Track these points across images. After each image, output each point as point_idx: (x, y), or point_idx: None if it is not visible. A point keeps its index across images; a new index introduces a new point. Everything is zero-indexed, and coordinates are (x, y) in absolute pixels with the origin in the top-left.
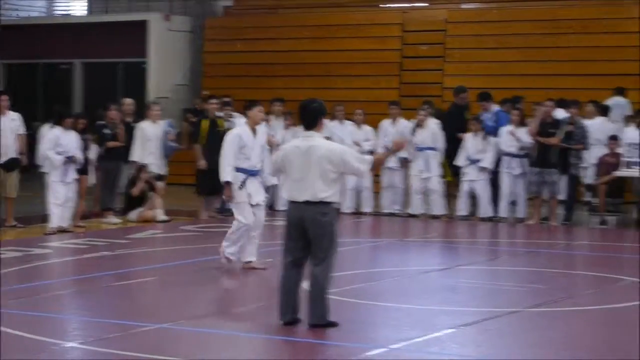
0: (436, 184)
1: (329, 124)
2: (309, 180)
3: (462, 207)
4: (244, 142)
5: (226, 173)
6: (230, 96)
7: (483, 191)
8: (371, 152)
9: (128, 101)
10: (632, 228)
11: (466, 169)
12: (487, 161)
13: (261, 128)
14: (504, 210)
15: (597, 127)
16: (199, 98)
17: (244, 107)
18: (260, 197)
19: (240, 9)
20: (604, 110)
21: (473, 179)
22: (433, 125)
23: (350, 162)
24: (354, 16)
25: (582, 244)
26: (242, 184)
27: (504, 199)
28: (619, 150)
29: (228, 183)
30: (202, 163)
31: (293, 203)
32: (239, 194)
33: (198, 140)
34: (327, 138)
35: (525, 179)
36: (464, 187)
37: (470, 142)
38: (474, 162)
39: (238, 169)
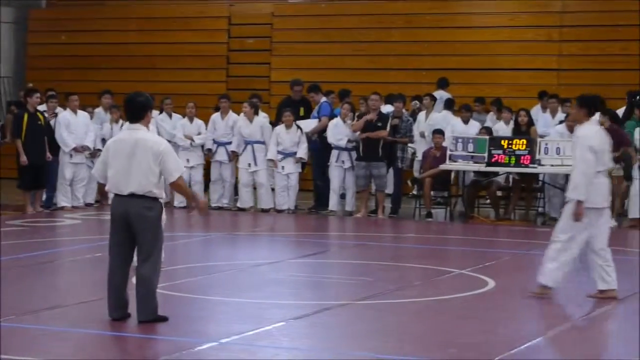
0: (264, 177)
1: (157, 117)
2: (134, 173)
3: (282, 200)
4: None
5: None
6: (54, 89)
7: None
8: (202, 147)
9: None
10: (457, 221)
11: (282, 162)
12: (303, 152)
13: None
14: (334, 204)
15: (439, 119)
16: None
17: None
18: None
19: (65, 0)
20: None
21: (291, 172)
22: (261, 119)
23: (167, 161)
24: (182, 9)
25: (410, 236)
26: None
27: (333, 192)
28: (444, 144)
29: None
30: (23, 159)
31: (118, 197)
32: None
33: (19, 135)
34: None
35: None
36: (282, 181)
37: (285, 136)
38: (289, 155)
39: None
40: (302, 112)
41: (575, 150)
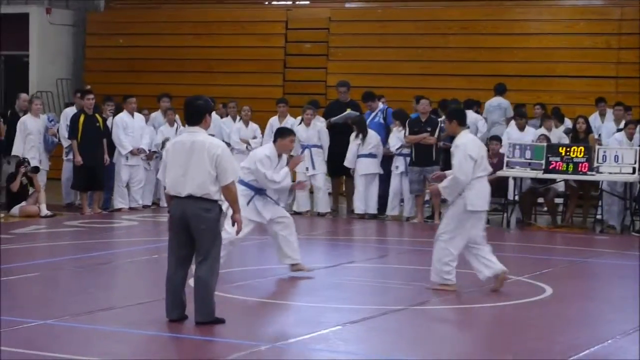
0: (321, 181)
1: (218, 121)
2: (192, 176)
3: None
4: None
5: None
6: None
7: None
8: None
9: (24, 96)
10: (513, 227)
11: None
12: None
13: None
14: (392, 209)
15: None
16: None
17: None
18: None
19: (122, 3)
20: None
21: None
22: (319, 123)
23: (223, 164)
24: (238, 13)
25: None
26: None
27: (392, 197)
28: (501, 150)
29: None
30: (78, 159)
31: (176, 198)
32: None
33: (75, 135)
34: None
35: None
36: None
37: (304, 133)
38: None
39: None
40: None
41: (454, 158)
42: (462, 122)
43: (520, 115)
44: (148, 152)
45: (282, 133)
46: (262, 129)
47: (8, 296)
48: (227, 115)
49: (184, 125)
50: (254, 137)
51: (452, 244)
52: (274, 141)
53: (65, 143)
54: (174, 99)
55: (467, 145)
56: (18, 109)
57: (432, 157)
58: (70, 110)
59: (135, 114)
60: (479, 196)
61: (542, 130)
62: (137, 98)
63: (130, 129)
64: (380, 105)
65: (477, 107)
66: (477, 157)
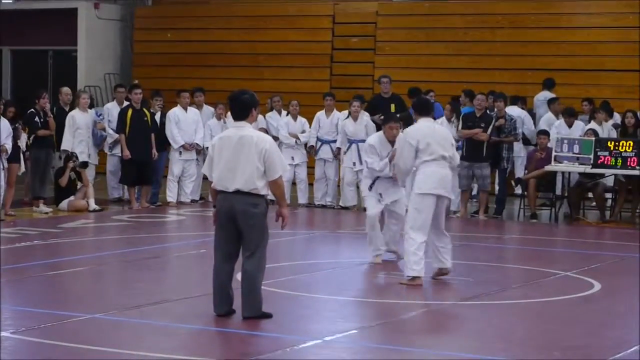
0: None
1: (266, 115)
2: (239, 170)
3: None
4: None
5: None
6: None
7: None
8: (305, 145)
9: (65, 90)
10: (562, 222)
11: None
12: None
13: None
14: None
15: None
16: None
17: None
18: None
19: None
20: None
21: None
22: (366, 117)
23: (271, 159)
24: (285, 7)
25: (513, 237)
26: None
27: None
28: (549, 144)
29: None
30: (126, 153)
31: (223, 193)
32: None
33: (123, 129)
34: (265, 131)
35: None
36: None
37: (351, 127)
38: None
39: None
40: (393, 109)
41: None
42: (420, 112)
43: (570, 114)
44: (202, 147)
45: (384, 120)
46: (310, 123)
47: (57, 290)
48: (272, 110)
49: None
50: (303, 132)
51: (413, 231)
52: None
53: (109, 138)
54: (221, 94)
55: (409, 133)
56: (62, 104)
57: (482, 153)
58: (112, 105)
59: (189, 108)
60: (426, 180)
61: (591, 125)
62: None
63: (183, 124)
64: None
65: (523, 103)
66: (418, 143)
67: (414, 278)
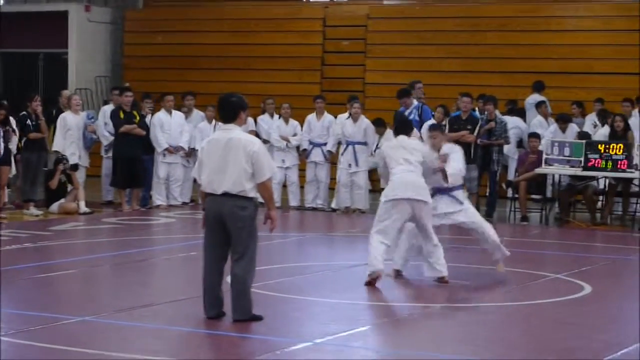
0: (363, 179)
1: (257, 118)
2: (227, 173)
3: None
4: None
5: None
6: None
7: None
8: (297, 148)
9: (65, 93)
10: (552, 225)
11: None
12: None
13: None
14: None
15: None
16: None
17: None
18: None
19: (161, 0)
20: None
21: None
22: (365, 119)
23: (259, 161)
24: (276, 10)
25: (504, 240)
26: None
27: None
28: (540, 147)
29: None
30: (132, 127)
31: (212, 196)
32: None
33: (121, 124)
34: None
35: None
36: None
37: (350, 128)
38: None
39: None
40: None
41: None
42: (397, 132)
43: (564, 120)
44: (187, 150)
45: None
46: (301, 126)
47: (47, 293)
48: (264, 112)
49: None
50: (294, 135)
51: (376, 233)
52: None
53: (104, 141)
54: (212, 96)
55: (384, 145)
56: (62, 107)
57: (469, 156)
58: (108, 108)
59: (174, 111)
60: (392, 187)
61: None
62: (175, 96)
63: (167, 127)
64: (415, 102)
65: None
66: (389, 152)
67: (371, 274)
